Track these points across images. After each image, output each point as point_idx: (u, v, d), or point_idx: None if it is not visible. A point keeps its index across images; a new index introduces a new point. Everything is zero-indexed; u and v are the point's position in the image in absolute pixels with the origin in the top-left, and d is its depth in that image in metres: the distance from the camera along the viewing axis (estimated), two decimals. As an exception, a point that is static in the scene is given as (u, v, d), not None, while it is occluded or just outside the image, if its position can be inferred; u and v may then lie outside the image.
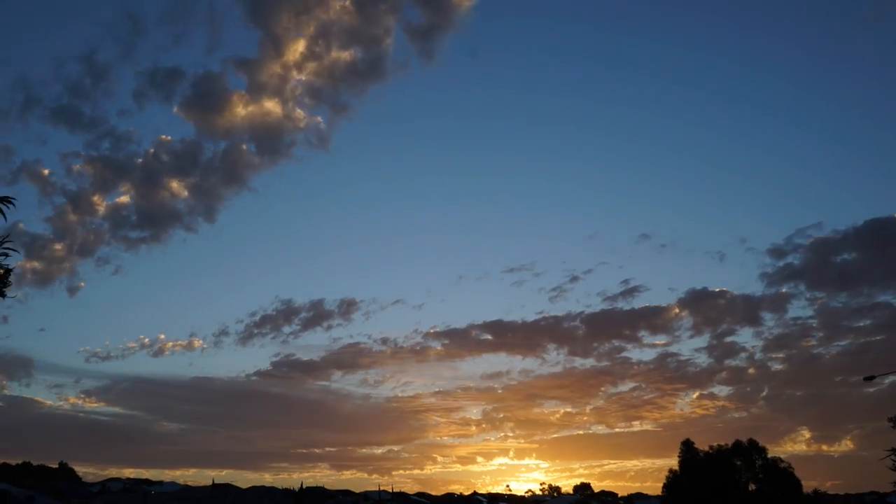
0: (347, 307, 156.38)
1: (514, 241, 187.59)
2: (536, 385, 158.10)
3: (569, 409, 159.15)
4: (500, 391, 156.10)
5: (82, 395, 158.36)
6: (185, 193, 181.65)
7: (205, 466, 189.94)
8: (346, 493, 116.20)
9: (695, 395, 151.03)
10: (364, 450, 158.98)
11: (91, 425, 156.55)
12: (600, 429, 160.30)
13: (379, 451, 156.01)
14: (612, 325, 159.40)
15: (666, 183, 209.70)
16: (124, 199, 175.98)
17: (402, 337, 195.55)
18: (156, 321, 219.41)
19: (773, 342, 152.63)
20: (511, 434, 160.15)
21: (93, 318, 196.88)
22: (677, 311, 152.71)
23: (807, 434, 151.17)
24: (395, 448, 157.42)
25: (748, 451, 60.03)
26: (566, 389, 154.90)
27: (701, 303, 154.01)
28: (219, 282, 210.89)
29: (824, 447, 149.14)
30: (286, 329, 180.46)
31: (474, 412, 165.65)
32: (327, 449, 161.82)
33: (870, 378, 33.15)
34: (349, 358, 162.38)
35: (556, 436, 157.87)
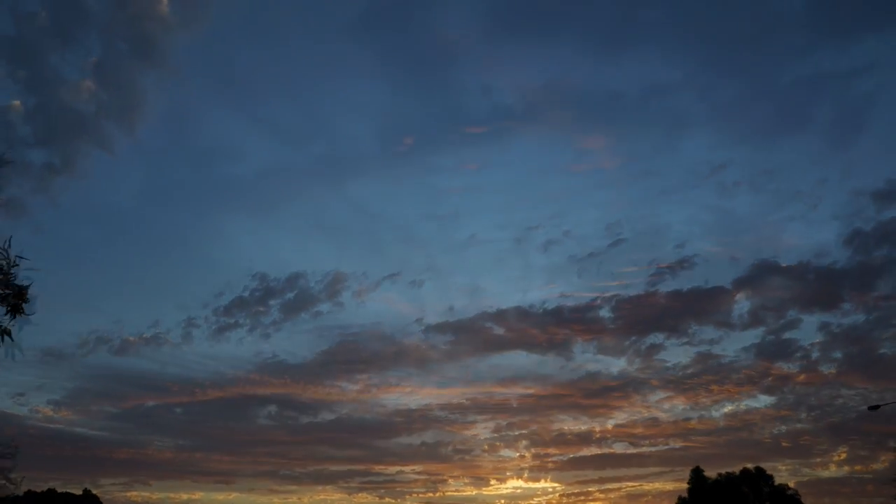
0: (334, 284, 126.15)
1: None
2: (555, 394, 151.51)
3: (590, 425, 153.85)
4: (515, 404, 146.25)
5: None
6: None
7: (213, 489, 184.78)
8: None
9: (728, 409, 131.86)
10: (377, 468, 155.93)
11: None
12: (622, 447, 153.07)
13: (392, 470, 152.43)
14: (652, 313, 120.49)
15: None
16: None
17: (402, 330, 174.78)
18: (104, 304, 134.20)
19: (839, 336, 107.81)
20: (526, 453, 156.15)
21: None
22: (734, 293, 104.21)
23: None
24: (405, 469, 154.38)
25: (756, 479, 61.68)
26: (589, 399, 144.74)
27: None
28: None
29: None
30: (265, 319, 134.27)
31: (487, 426, 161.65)
32: (332, 468, 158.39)
33: (875, 408, 32.83)
34: (343, 357, 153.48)
35: (573, 456, 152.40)
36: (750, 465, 62.60)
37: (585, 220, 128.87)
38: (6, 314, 9.46)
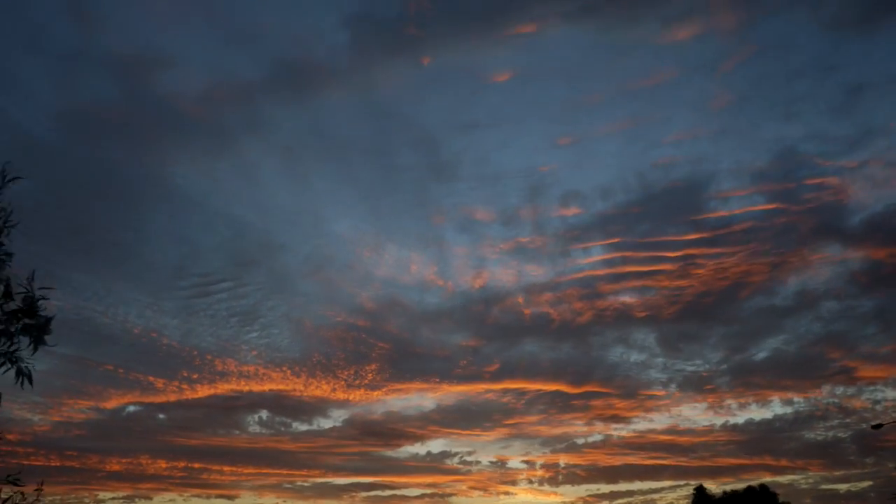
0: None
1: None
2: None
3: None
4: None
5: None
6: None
7: None
8: None
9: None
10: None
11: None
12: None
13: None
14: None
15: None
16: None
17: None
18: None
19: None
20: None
21: None
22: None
23: None
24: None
25: (760, 497, 62.42)
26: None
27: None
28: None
29: None
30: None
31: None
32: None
33: (877, 426, 32.97)
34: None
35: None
36: (755, 483, 63.63)
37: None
38: (28, 346, 9.39)
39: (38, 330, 9.37)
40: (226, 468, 63.46)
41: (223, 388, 62.47)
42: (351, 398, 65.92)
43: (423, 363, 67.20)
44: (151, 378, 59.64)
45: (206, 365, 61.68)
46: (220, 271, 64.01)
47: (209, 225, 64.68)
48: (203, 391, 61.58)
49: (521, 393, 70.04)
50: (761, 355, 65.79)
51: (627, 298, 66.52)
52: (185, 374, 60.70)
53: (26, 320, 9.35)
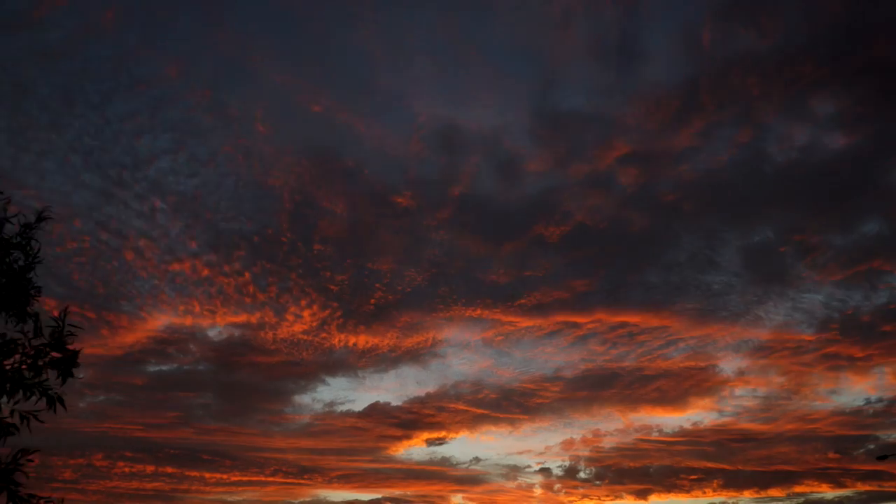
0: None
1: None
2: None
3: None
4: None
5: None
6: None
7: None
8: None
9: None
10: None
11: None
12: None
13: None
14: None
15: None
16: None
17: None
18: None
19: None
20: None
21: None
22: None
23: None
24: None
25: None
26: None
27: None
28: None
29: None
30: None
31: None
32: None
33: (883, 457, 33.17)
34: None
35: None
36: None
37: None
38: (56, 378, 9.47)
39: (66, 363, 9.49)
40: None
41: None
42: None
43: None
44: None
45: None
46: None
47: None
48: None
49: None
50: None
51: None
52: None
53: (54, 354, 9.48)
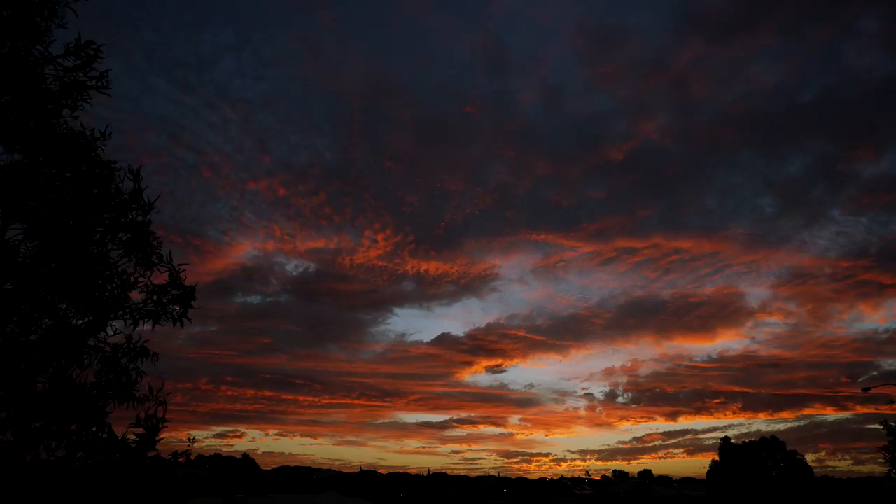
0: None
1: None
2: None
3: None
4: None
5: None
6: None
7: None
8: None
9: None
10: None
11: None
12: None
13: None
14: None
15: None
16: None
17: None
18: None
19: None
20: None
21: None
22: None
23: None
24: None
25: (772, 446, 71.07)
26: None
27: None
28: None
29: None
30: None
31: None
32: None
33: (867, 389, 36.56)
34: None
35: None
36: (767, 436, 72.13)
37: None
38: (178, 312, 10.52)
39: (185, 298, 10.54)
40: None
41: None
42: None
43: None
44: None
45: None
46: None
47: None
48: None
49: None
50: None
51: None
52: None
53: (174, 291, 10.51)
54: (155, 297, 10.28)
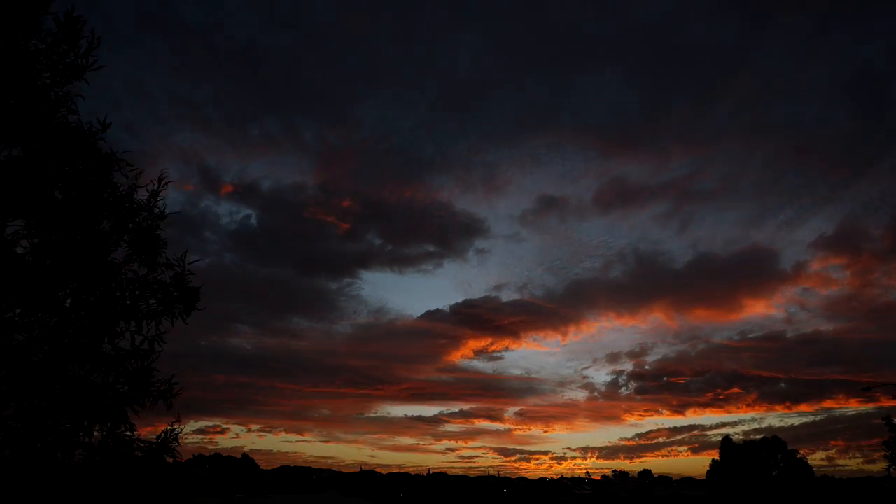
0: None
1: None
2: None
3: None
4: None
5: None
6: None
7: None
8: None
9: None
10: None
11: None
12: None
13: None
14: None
15: None
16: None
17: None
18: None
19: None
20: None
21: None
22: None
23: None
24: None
25: (772, 446, 71.04)
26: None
27: None
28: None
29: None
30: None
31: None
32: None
33: (867, 388, 36.36)
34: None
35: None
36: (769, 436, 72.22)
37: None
38: (182, 311, 10.53)
39: (189, 298, 10.55)
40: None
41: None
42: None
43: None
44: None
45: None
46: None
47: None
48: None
49: None
50: None
51: None
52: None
53: (175, 292, 10.51)
54: (160, 296, 10.32)
